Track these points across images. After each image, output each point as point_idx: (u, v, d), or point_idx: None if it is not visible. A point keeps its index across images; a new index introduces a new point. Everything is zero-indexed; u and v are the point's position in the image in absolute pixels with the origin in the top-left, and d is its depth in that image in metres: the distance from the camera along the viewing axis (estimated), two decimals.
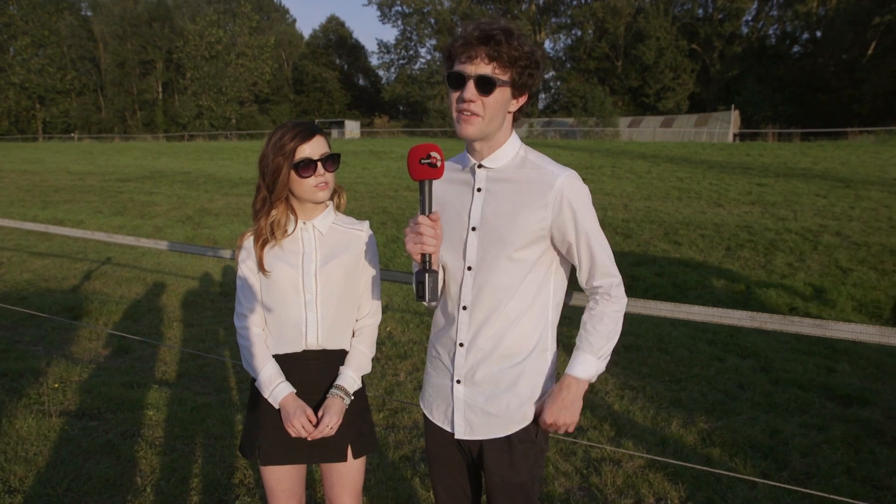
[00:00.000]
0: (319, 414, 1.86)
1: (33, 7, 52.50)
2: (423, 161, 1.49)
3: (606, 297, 1.66)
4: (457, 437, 1.73)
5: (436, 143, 1.59)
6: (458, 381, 1.72)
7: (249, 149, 30.70)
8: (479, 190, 1.66)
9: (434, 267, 1.56)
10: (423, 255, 1.53)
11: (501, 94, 1.53)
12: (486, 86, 1.50)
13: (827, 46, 41.77)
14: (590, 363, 1.64)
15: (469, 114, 1.53)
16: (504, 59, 1.49)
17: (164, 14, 59.35)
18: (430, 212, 1.54)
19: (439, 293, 1.75)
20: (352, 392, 1.92)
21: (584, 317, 1.69)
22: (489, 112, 1.53)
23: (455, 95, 1.54)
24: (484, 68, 1.50)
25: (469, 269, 1.66)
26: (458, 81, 1.52)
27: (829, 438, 3.62)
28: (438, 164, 1.50)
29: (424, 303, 1.58)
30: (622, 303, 1.68)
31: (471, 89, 1.50)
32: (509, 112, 1.61)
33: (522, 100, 1.61)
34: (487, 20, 1.53)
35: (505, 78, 1.52)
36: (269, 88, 58.37)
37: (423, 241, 1.52)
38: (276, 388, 1.85)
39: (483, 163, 1.65)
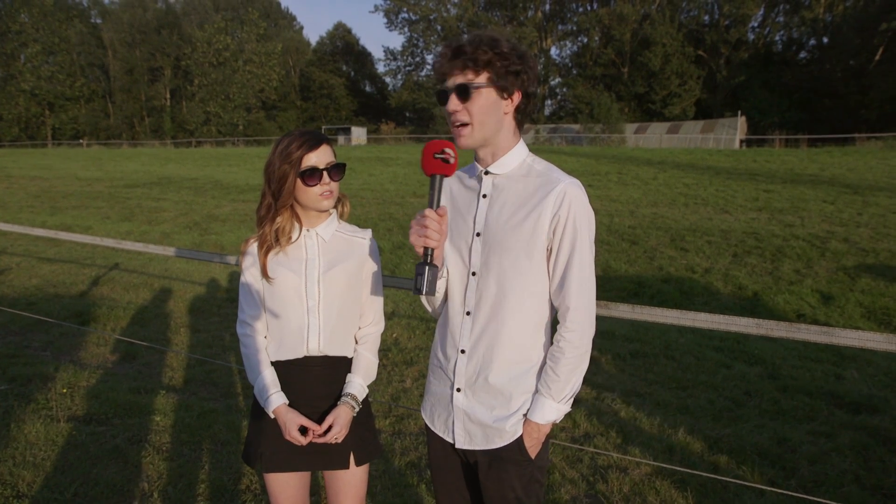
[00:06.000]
0: (329, 421, 1.85)
1: (44, 15, 53.03)
2: (436, 156, 1.53)
3: (563, 326, 1.61)
4: (457, 446, 1.72)
5: None
6: (458, 390, 1.71)
7: (256, 155, 30.83)
8: (483, 196, 1.67)
9: (436, 262, 1.56)
10: (425, 249, 1.54)
11: (484, 97, 1.56)
12: (463, 93, 1.55)
13: (834, 52, 41.62)
14: (549, 407, 1.63)
15: (459, 124, 1.59)
16: (474, 64, 1.54)
17: (173, 21, 59.84)
18: (438, 207, 1.55)
19: (437, 288, 1.67)
20: (361, 400, 1.92)
21: (548, 353, 1.65)
22: (476, 117, 1.57)
23: (445, 111, 1.61)
24: (460, 78, 1.56)
25: (473, 274, 1.67)
26: (443, 98, 1.60)
27: (838, 446, 3.59)
28: (451, 160, 1.53)
29: (422, 295, 1.57)
30: (581, 337, 1.59)
31: (452, 100, 1.57)
32: (505, 113, 1.61)
33: (517, 98, 1.61)
34: (457, 38, 1.59)
35: (481, 80, 1.55)
36: (277, 95, 58.64)
37: (427, 235, 1.53)
38: (268, 398, 1.85)
39: (489, 169, 1.66)
